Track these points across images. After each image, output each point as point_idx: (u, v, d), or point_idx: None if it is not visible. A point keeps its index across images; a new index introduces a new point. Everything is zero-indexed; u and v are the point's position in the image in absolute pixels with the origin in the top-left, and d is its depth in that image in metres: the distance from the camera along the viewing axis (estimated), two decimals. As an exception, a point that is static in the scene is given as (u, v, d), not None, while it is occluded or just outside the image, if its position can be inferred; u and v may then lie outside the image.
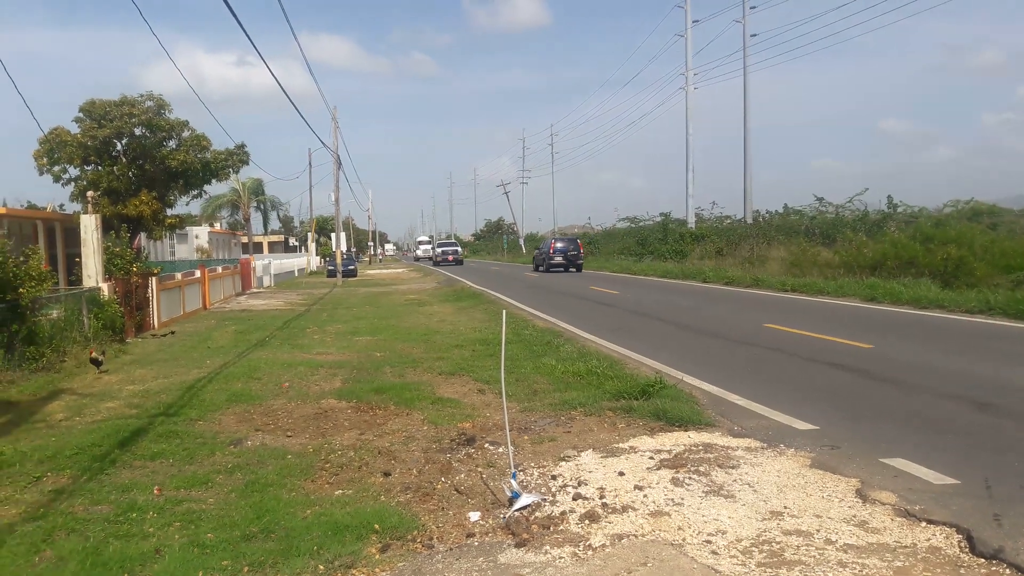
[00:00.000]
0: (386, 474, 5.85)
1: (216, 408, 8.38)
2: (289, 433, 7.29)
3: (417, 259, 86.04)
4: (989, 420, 6.97)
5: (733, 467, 5.61)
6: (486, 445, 6.52)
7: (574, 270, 39.34)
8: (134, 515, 5.10)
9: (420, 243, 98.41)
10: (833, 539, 4.32)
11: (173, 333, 16.35)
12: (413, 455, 6.36)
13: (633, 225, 49.00)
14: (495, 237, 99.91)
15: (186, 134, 29.94)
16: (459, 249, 63.88)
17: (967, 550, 4.16)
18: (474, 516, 4.91)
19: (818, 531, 4.43)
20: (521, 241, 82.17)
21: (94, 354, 11.11)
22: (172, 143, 29.78)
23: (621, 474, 5.48)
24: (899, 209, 28.02)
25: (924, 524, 4.51)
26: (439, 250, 62.10)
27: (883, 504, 4.84)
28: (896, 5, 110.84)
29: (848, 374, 9.39)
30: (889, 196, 28.75)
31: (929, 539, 4.31)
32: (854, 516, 4.66)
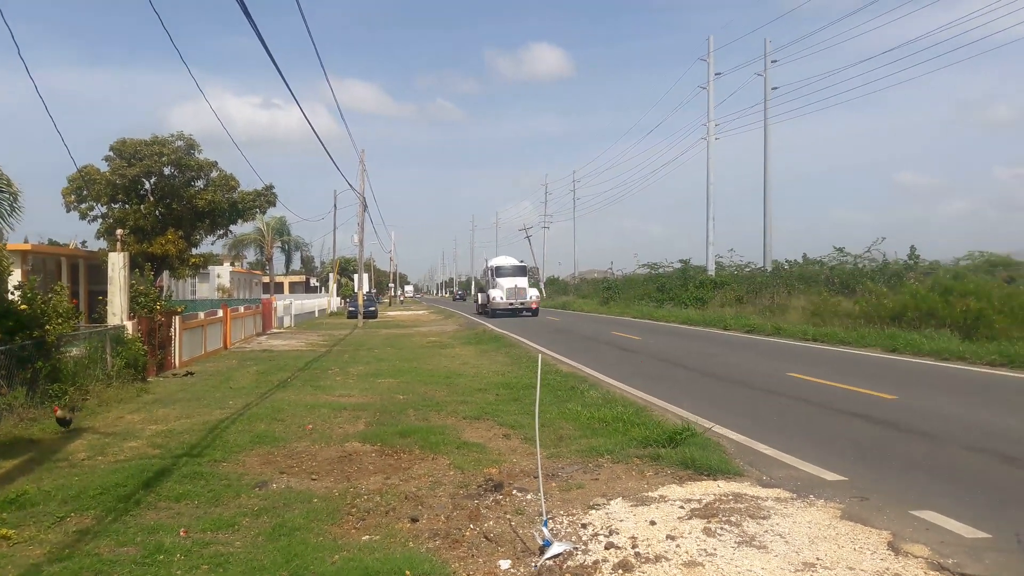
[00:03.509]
0: (414, 520, 5.84)
1: (240, 449, 8.40)
2: (314, 476, 7.29)
3: (493, 311, 39.81)
4: (1017, 473, 6.91)
5: (764, 517, 5.55)
6: (514, 492, 6.50)
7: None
8: (161, 557, 5.11)
9: (498, 272, 42.19)
10: (869, 594, 4.26)
11: (191, 374, 16.44)
12: (440, 501, 6.34)
13: (653, 271, 49.08)
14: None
15: (214, 174, 30.55)
16: None
17: (1007, 608, 4.09)
18: (505, 564, 4.88)
19: (854, 586, 4.37)
20: (542, 285, 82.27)
21: (59, 412, 9.70)
22: (200, 183, 30.38)
23: (652, 523, 5.44)
24: (918, 260, 28.00)
25: (959, 579, 4.44)
26: None
27: (916, 557, 4.78)
28: (913, 63, 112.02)
29: (873, 425, 9.28)
30: (912, 247, 28.78)
31: (967, 596, 4.25)
32: (887, 569, 4.60)
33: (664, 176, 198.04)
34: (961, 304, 19.64)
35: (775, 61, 39.94)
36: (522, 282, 40.89)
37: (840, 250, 31.51)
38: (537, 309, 40.28)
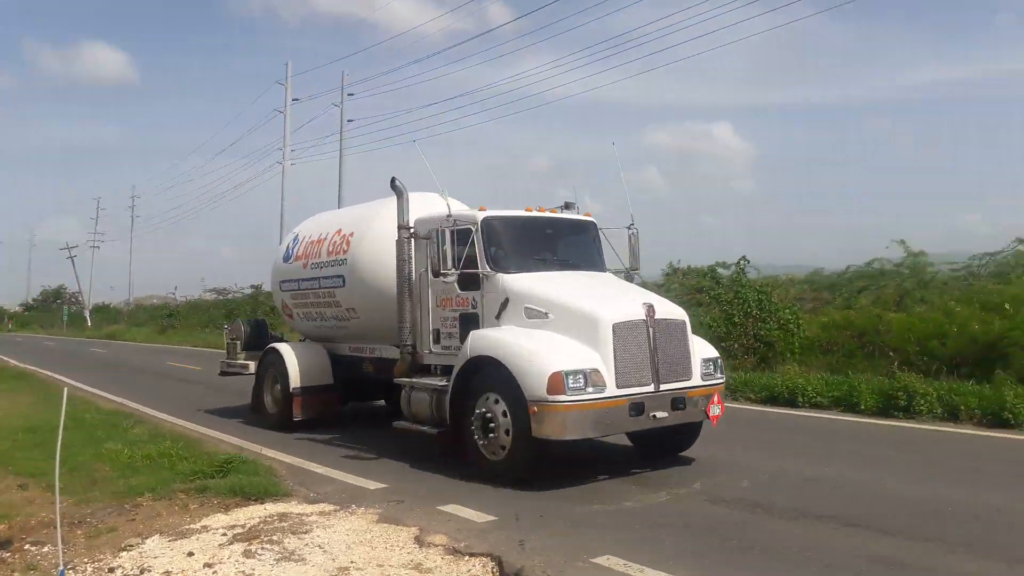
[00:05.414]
0: None
1: None
2: None
3: (525, 455, 7.21)
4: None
5: (306, 532, 5.81)
6: (27, 547, 5.71)
7: None
8: None
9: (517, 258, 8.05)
10: (392, 584, 4.76)
11: None
12: (-78, 571, 5.28)
13: (222, 297, 47.02)
14: (54, 307, 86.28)
15: None
16: None
17: (498, 573, 4.96)
18: (6, 628, 4.28)
19: (379, 579, 4.85)
20: (87, 313, 72.38)
21: None
22: None
23: (190, 554, 5.31)
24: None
25: (467, 558, 5.24)
26: None
27: (436, 546, 5.49)
28: (472, 112, 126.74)
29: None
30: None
31: (470, 570, 5.05)
32: (411, 560, 5.20)
33: (240, 197, 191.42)
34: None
35: (351, 94, 41.48)
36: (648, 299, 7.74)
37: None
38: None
